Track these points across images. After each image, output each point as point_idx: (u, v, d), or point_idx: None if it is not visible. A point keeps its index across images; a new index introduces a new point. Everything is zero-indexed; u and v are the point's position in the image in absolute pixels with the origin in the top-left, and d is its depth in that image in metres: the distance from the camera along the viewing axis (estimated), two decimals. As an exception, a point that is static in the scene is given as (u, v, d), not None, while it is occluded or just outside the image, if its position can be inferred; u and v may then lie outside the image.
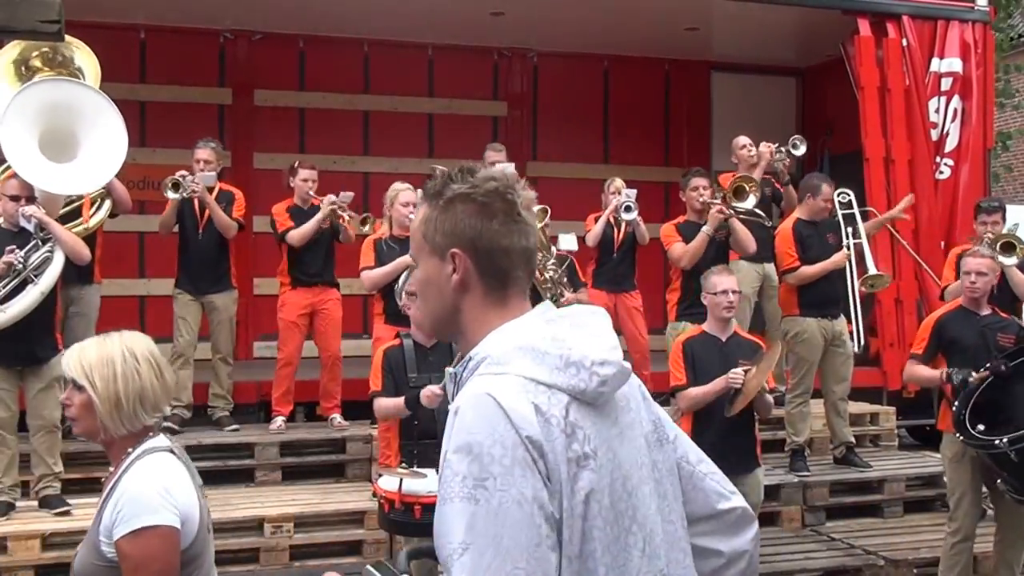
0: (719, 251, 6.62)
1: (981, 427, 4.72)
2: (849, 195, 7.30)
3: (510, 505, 1.49)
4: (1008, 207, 7.05)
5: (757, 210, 6.87)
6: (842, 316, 6.96)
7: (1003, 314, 5.35)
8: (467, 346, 1.70)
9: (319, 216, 6.95)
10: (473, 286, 1.68)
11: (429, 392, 4.30)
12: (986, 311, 5.24)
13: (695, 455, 1.87)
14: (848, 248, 6.96)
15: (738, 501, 1.89)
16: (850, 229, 7.07)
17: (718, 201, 6.66)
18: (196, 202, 6.85)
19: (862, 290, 7.21)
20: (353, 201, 7.18)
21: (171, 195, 6.73)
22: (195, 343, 6.95)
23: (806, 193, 6.91)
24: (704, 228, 6.42)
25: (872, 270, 7.15)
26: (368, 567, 1.79)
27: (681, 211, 7.04)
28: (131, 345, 2.52)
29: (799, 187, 7.18)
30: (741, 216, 6.67)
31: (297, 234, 6.93)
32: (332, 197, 7.02)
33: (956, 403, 4.88)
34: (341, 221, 7.03)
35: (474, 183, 1.67)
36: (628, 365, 1.68)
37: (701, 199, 6.63)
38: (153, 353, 2.55)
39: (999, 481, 4.88)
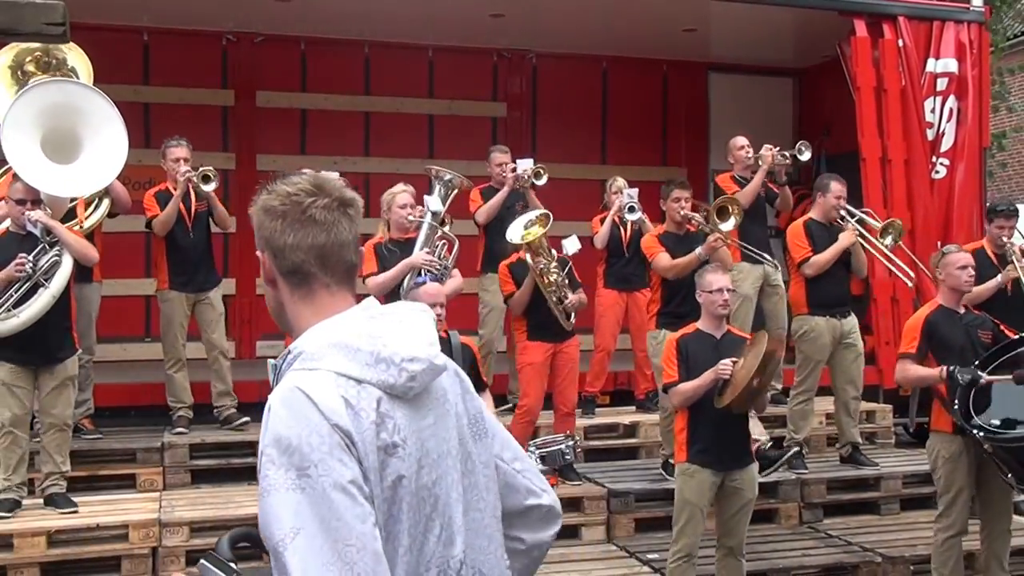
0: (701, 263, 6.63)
1: (996, 422, 4.73)
2: None
3: (332, 489, 1.58)
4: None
5: (760, 251, 7.05)
6: (852, 316, 6.92)
7: (976, 311, 5.42)
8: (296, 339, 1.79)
9: None
10: (280, 284, 1.80)
11: None
12: (962, 309, 5.30)
13: (511, 453, 1.96)
14: (849, 222, 6.81)
15: (548, 499, 1.97)
16: (843, 211, 6.89)
17: (698, 216, 6.66)
18: (180, 200, 6.76)
19: (888, 245, 6.92)
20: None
21: (205, 187, 6.66)
22: (186, 343, 6.93)
23: (816, 192, 6.93)
24: (697, 251, 6.35)
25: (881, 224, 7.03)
26: (202, 561, 1.85)
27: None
28: None
29: (812, 189, 7.17)
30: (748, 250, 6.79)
31: None
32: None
33: (956, 404, 4.87)
34: None
35: (272, 188, 1.79)
36: (442, 360, 1.76)
37: (681, 212, 6.60)
38: None
39: (1009, 475, 4.89)
